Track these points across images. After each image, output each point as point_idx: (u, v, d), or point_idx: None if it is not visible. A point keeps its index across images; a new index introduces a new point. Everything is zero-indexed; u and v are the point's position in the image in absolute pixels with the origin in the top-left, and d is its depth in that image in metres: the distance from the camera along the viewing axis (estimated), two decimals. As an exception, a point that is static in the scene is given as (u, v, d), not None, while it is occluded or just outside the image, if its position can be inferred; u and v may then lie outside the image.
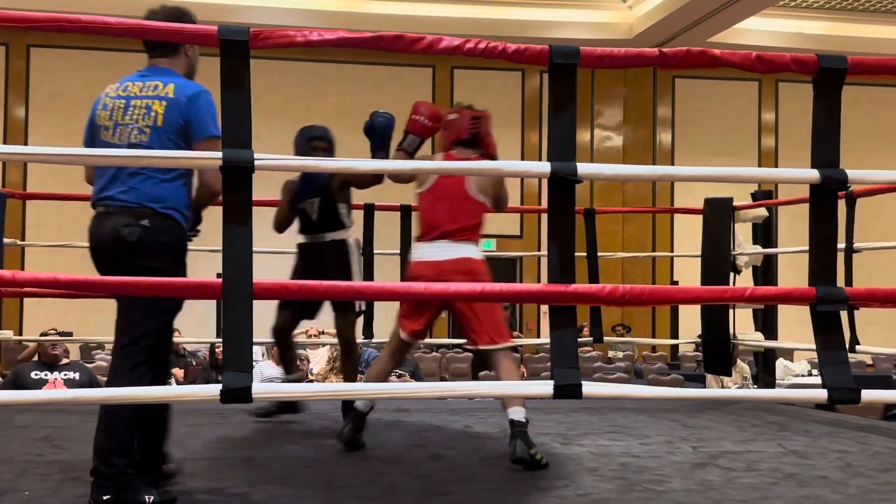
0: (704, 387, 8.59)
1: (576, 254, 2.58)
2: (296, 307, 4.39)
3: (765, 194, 5.56)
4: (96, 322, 8.51)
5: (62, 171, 10.21)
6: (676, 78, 15.65)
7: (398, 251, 5.23)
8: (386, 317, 4.41)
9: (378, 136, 4.11)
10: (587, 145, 15.39)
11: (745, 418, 4.78)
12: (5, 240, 5.42)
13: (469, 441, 4.05)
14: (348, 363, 4.45)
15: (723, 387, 7.90)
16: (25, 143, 13.41)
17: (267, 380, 8.30)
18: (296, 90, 14.53)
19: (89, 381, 5.81)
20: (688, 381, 10.13)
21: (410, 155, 3.90)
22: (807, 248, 2.66)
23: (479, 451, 3.78)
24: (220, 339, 2.44)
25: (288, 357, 4.62)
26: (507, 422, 3.47)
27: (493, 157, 3.80)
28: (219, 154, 2.39)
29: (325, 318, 4.65)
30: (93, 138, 2.89)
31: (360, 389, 3.35)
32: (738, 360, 6.89)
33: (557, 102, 2.52)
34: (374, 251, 5.22)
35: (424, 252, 3.74)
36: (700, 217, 5.29)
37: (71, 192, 5.26)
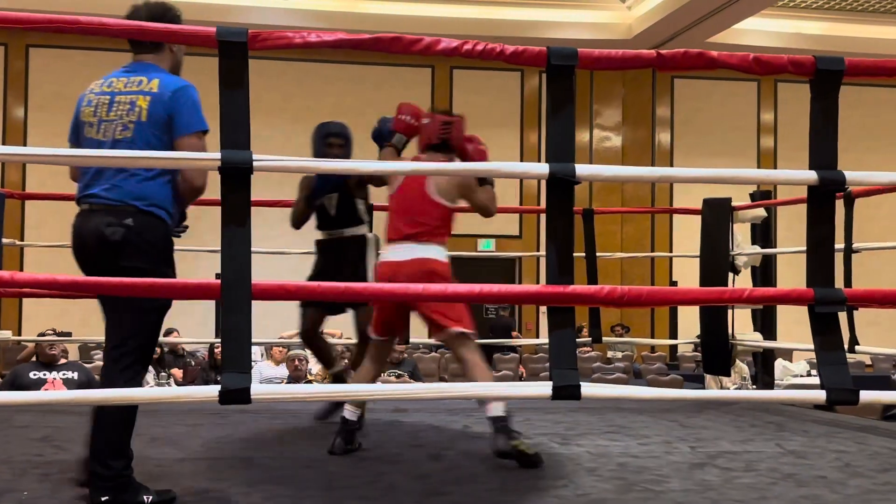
0: (703, 387, 8.60)
1: (574, 254, 2.58)
2: (319, 305, 4.36)
3: (763, 195, 5.56)
4: (95, 322, 8.49)
5: (61, 172, 10.14)
6: (675, 78, 15.66)
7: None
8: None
9: (387, 140, 4.19)
10: (586, 146, 15.40)
11: (744, 418, 4.78)
12: (4, 240, 5.42)
13: (468, 441, 4.05)
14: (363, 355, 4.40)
15: (721, 387, 7.91)
16: (24, 144, 13.42)
17: (266, 380, 8.32)
18: (294, 90, 14.53)
19: (87, 381, 5.82)
20: (686, 382, 10.15)
21: (398, 151, 4.03)
22: (805, 248, 2.67)
23: (478, 451, 3.78)
24: (219, 340, 2.44)
25: (325, 355, 4.58)
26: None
27: (466, 160, 3.87)
28: (217, 155, 2.39)
29: (328, 318, 4.64)
30: (78, 136, 2.88)
31: (360, 390, 3.35)
32: (737, 361, 6.89)
33: (556, 103, 2.53)
34: (375, 251, 5.22)
35: (389, 254, 3.82)
36: (699, 217, 5.29)
37: (70, 193, 5.23)
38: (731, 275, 5.21)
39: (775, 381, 6.29)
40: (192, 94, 2.80)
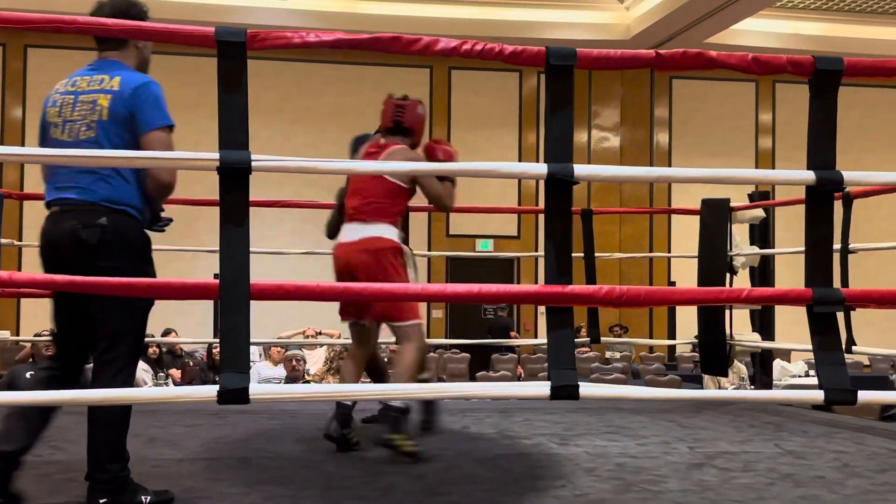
0: (701, 387, 8.61)
1: (573, 254, 2.58)
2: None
3: (762, 195, 5.57)
4: (93, 323, 8.47)
5: (59, 172, 10.18)
6: (674, 79, 15.66)
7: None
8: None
9: None
10: (584, 146, 15.41)
11: (742, 419, 4.78)
12: (2, 240, 5.43)
13: (466, 441, 4.05)
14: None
15: (720, 387, 7.92)
16: (23, 144, 13.39)
17: (265, 380, 8.32)
18: (293, 90, 14.53)
19: (84, 381, 5.81)
20: (685, 382, 10.15)
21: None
22: (803, 248, 2.67)
23: (477, 452, 3.78)
24: (218, 340, 2.44)
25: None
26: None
27: (417, 144, 4.09)
28: (216, 155, 2.38)
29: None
30: (45, 137, 2.84)
31: (359, 391, 3.35)
32: (735, 361, 6.89)
33: (554, 103, 2.53)
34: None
35: (343, 234, 3.95)
36: (697, 218, 5.29)
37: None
38: (729, 275, 5.21)
39: (773, 382, 6.30)
40: (154, 90, 2.76)
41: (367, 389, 2.84)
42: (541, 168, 2.51)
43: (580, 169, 2.51)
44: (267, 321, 9.08)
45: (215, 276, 2.41)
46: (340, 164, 3.04)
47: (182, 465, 3.44)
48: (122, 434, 2.74)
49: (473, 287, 2.65)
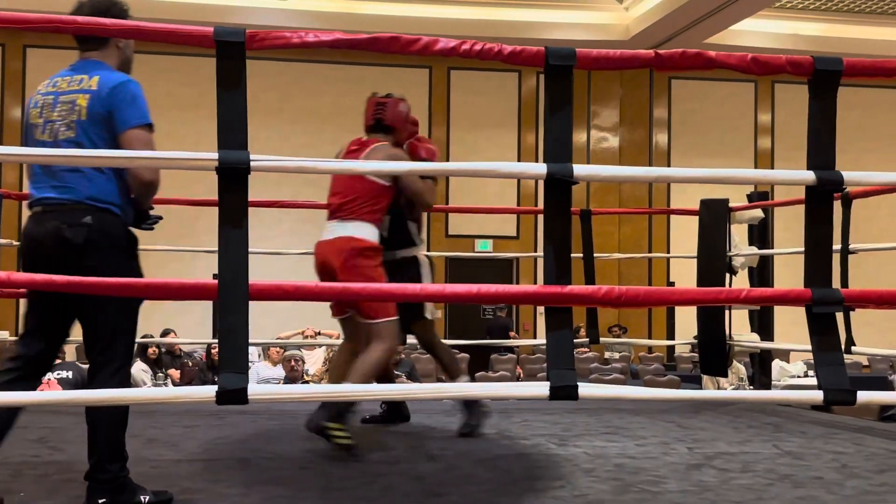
0: (700, 388, 8.61)
1: (572, 255, 2.58)
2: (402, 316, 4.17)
3: (761, 195, 5.57)
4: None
5: (58, 172, 10.18)
6: (673, 79, 15.66)
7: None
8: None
9: None
10: (583, 146, 15.41)
11: (741, 419, 4.78)
12: (1, 240, 5.43)
13: (465, 442, 4.05)
14: (442, 359, 4.38)
15: (719, 388, 7.93)
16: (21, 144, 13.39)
17: (263, 381, 8.32)
18: (292, 90, 14.52)
19: (82, 380, 5.81)
20: (684, 382, 10.15)
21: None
22: (802, 249, 2.67)
23: (475, 452, 3.78)
24: (217, 340, 2.44)
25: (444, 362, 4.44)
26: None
27: (400, 142, 4.11)
28: (215, 155, 2.38)
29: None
30: (28, 138, 2.84)
31: (358, 390, 3.35)
32: (734, 362, 6.90)
33: (554, 104, 2.52)
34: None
35: (323, 232, 3.95)
36: (696, 218, 5.29)
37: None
38: (728, 275, 5.22)
39: (772, 382, 6.30)
40: (132, 89, 2.75)
41: (364, 389, 2.84)
42: (540, 168, 2.51)
43: (579, 169, 2.50)
44: (266, 321, 9.08)
45: (214, 276, 2.41)
46: (339, 164, 3.04)
47: (181, 465, 3.43)
48: (121, 433, 2.74)
49: (472, 287, 2.64)
